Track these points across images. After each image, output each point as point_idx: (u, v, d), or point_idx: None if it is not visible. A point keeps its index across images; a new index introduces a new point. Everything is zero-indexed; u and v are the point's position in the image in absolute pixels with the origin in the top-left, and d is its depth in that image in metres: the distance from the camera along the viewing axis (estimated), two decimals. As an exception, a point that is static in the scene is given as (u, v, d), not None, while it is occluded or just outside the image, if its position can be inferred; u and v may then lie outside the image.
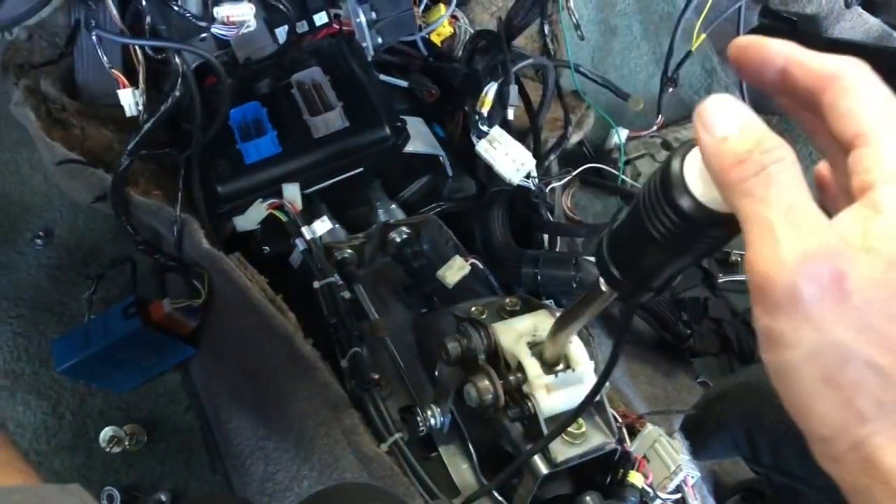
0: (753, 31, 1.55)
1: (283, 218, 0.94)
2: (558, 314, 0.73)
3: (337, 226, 0.99)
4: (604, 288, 0.48)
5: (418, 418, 0.77)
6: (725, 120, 0.29)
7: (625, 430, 0.79)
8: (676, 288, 1.16)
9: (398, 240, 1.01)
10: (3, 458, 0.51)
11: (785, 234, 0.28)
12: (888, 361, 0.28)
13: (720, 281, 1.28)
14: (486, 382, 0.68)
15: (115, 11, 0.88)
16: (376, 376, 0.83)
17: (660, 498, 0.76)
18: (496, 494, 0.77)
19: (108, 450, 1.00)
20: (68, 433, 0.99)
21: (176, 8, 0.88)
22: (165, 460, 1.01)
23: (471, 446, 0.79)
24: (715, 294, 1.20)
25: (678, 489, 0.76)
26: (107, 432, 1.00)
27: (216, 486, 0.98)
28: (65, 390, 1.04)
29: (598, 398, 0.71)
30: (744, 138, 0.29)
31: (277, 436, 0.85)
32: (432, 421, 0.77)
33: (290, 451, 0.83)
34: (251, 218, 0.95)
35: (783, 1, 1.50)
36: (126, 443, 1.00)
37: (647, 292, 0.44)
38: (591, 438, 0.72)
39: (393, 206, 1.06)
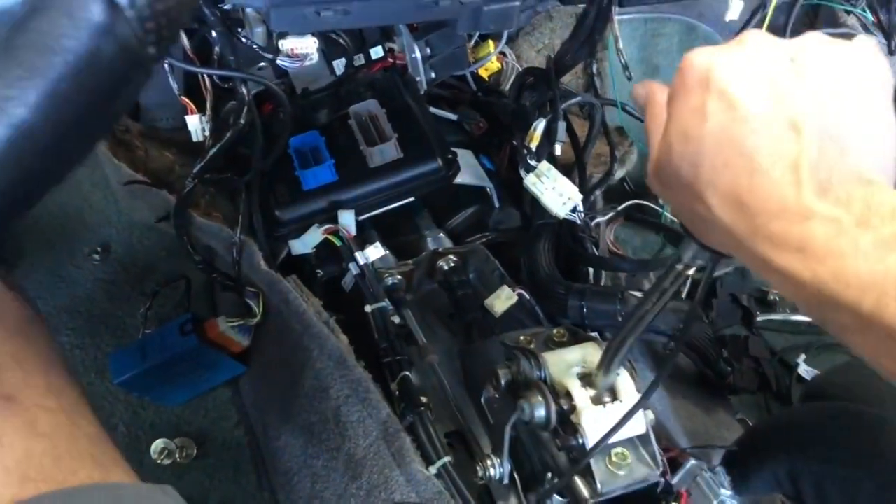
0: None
1: (338, 243, 0.97)
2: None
3: (387, 252, 1.01)
4: (686, 260, 0.53)
5: (478, 468, 0.79)
6: (637, 90, 0.51)
7: (667, 464, 0.81)
8: (717, 324, 1.17)
9: (446, 268, 1.04)
10: (112, 457, 0.54)
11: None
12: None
13: (758, 319, 1.29)
14: (539, 398, 0.70)
15: (185, 41, 0.92)
16: (425, 400, 0.86)
17: (701, 531, 0.77)
18: (541, 523, 0.79)
19: (158, 461, 1.03)
20: (121, 444, 1.01)
21: (243, 39, 0.92)
22: (214, 474, 1.04)
23: (515, 474, 0.81)
24: (753, 332, 1.21)
25: (720, 523, 0.78)
26: (158, 444, 1.04)
27: (263, 503, 1.01)
28: (119, 402, 1.08)
29: (644, 431, 0.73)
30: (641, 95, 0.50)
31: (326, 454, 0.87)
32: (492, 471, 0.78)
33: (339, 470, 0.85)
34: (307, 242, 0.98)
35: (825, 45, 1.52)
36: (176, 455, 1.04)
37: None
38: (636, 470, 0.74)
39: (441, 234, 1.09)
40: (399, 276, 1.00)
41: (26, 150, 0.28)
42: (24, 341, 0.57)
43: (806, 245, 0.37)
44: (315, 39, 0.95)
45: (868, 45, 0.41)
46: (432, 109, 1.20)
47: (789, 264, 0.37)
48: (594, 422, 0.70)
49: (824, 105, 0.38)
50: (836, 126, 0.38)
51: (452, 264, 1.04)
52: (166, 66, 0.93)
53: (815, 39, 0.40)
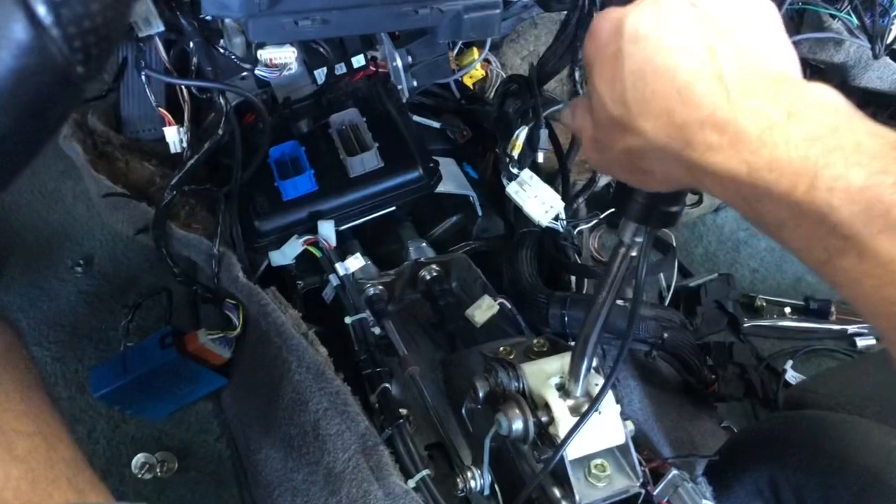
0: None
1: (318, 254, 0.97)
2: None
3: (369, 262, 1.01)
4: (627, 240, 0.57)
5: (458, 480, 0.78)
6: (564, 113, 0.55)
7: (649, 474, 0.80)
8: (701, 331, 1.17)
9: (428, 277, 1.03)
10: (88, 480, 0.54)
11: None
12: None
13: (745, 325, 1.29)
14: (517, 410, 0.70)
15: (163, 52, 0.92)
16: (405, 412, 0.85)
17: (683, 542, 0.77)
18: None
19: (139, 476, 1.02)
20: (102, 458, 1.02)
21: (221, 50, 0.91)
22: (195, 488, 1.03)
23: (496, 485, 0.80)
24: (740, 339, 1.20)
25: (701, 534, 0.77)
26: (139, 459, 1.03)
27: (244, 516, 1.00)
28: (100, 416, 1.07)
29: (623, 441, 0.73)
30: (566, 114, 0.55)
31: (306, 468, 0.86)
32: (472, 483, 0.78)
33: (319, 484, 0.85)
34: (287, 253, 0.97)
35: (811, 49, 1.52)
36: (157, 470, 1.03)
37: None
38: (616, 481, 0.73)
39: (423, 244, 1.09)
40: (380, 287, 0.99)
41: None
42: (3, 364, 0.57)
43: (739, 139, 0.39)
44: (294, 49, 0.95)
45: None
46: (416, 118, 1.19)
47: (725, 161, 0.39)
48: (572, 433, 0.69)
49: (730, 30, 0.42)
50: (745, 44, 0.42)
51: (435, 274, 1.03)
52: (143, 77, 0.93)
53: None
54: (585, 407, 0.71)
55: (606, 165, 0.51)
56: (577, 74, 1.29)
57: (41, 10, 0.27)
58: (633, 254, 0.58)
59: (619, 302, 0.95)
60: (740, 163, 0.39)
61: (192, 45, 0.89)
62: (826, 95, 0.39)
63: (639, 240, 0.57)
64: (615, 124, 0.45)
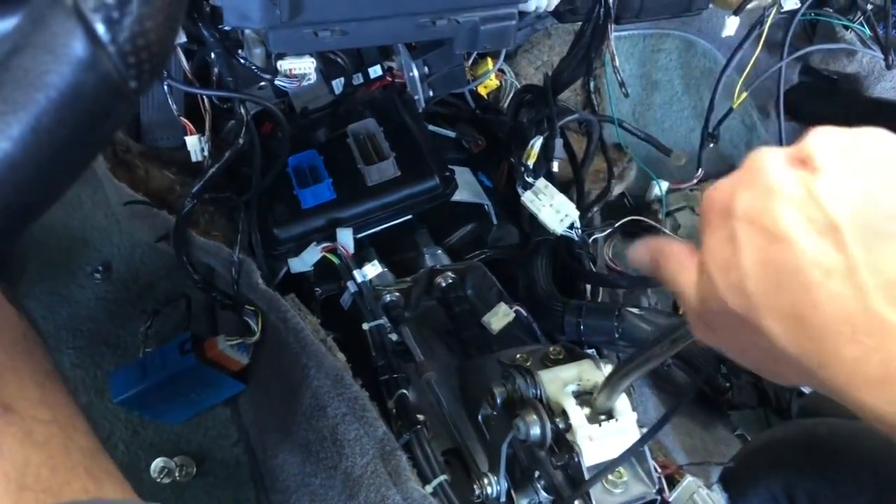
0: (794, 88, 1.58)
1: (336, 261, 0.98)
2: (602, 365, 0.76)
3: (385, 269, 1.02)
4: None
5: (475, 486, 0.79)
6: (639, 251, 0.48)
7: (664, 481, 0.81)
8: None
9: (444, 284, 1.04)
10: (106, 469, 0.54)
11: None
12: None
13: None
14: (534, 416, 0.70)
15: (185, 62, 0.93)
16: (422, 418, 0.86)
17: (698, 549, 0.77)
18: (539, 541, 0.79)
19: (158, 480, 1.03)
20: (120, 463, 1.01)
21: (241, 60, 0.93)
22: (213, 493, 1.04)
23: (513, 492, 0.81)
24: (753, 347, 1.20)
25: (717, 541, 0.78)
26: (157, 463, 1.04)
27: (262, 520, 1.01)
28: (119, 421, 1.08)
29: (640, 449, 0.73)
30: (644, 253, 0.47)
31: (324, 473, 0.87)
32: (489, 490, 0.79)
33: (336, 489, 0.86)
34: (305, 260, 0.98)
35: (824, 60, 1.53)
36: (176, 474, 1.04)
37: None
38: (632, 488, 0.74)
39: (439, 251, 1.10)
40: (397, 294, 1.00)
41: (10, 182, 0.29)
42: (20, 353, 0.58)
43: (889, 374, 0.31)
44: (313, 60, 0.96)
45: (882, 133, 0.37)
46: (431, 127, 1.20)
47: (873, 402, 0.32)
48: (590, 440, 0.70)
49: (857, 195, 0.34)
50: (882, 215, 0.33)
51: (450, 281, 1.04)
52: (165, 87, 0.94)
53: (821, 133, 0.37)
54: (602, 416, 0.72)
55: (728, 350, 0.43)
56: (591, 85, 1.30)
57: (100, 29, 0.28)
58: None
59: (635, 310, 0.96)
60: (893, 405, 0.32)
61: (213, 55, 0.91)
62: None
63: None
64: (733, 317, 0.38)
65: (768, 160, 0.38)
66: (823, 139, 0.37)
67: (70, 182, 0.33)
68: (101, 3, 0.28)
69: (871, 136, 0.36)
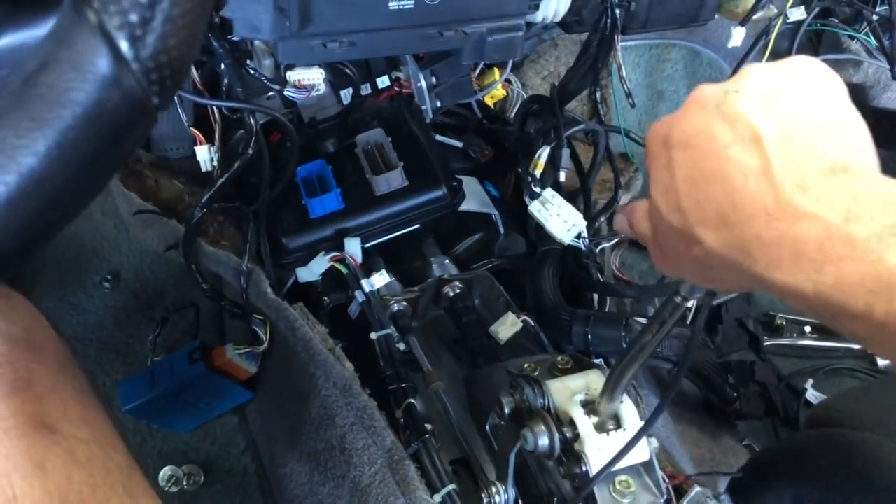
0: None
1: (344, 271, 0.98)
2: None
3: (393, 279, 1.02)
4: (684, 292, 0.54)
5: (483, 495, 0.79)
6: (618, 220, 0.55)
7: (672, 491, 0.81)
8: (723, 350, 1.18)
9: (451, 294, 1.04)
10: (141, 486, 0.56)
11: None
12: None
13: (766, 344, 1.29)
14: (542, 426, 0.71)
15: (195, 73, 0.94)
16: (430, 427, 0.86)
17: (707, 560, 0.77)
18: (546, 550, 0.79)
19: (166, 489, 1.03)
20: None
21: (251, 71, 0.93)
22: (220, 501, 1.04)
23: (521, 501, 0.81)
24: (760, 357, 1.21)
25: (725, 551, 0.78)
26: (166, 472, 1.04)
27: (269, 529, 1.01)
28: (127, 430, 1.09)
29: (648, 458, 0.74)
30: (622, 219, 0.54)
31: (332, 482, 0.88)
32: (496, 499, 0.79)
33: (344, 498, 0.86)
34: (313, 270, 0.99)
35: (829, 70, 1.53)
36: (184, 483, 1.04)
37: None
38: (640, 498, 0.73)
39: (447, 261, 1.10)
40: (405, 303, 1.01)
41: (35, 196, 0.30)
42: (63, 374, 0.59)
43: (799, 252, 0.35)
44: (322, 71, 0.97)
45: (803, 58, 0.42)
46: (438, 137, 1.21)
47: (788, 279, 0.36)
48: (598, 450, 0.70)
49: (775, 112, 0.39)
50: (794, 127, 0.38)
51: (458, 291, 1.04)
52: (176, 97, 0.95)
53: (752, 67, 0.42)
54: (610, 425, 0.72)
55: (678, 272, 0.50)
56: (597, 95, 1.30)
57: (124, 46, 0.28)
58: (689, 304, 0.56)
59: (642, 320, 0.96)
60: (805, 281, 0.35)
61: (223, 66, 0.92)
62: (889, 189, 0.34)
63: (698, 294, 0.54)
64: (674, 232, 0.44)
65: (704, 91, 0.43)
66: (754, 69, 0.42)
67: (93, 196, 0.34)
68: (125, 21, 0.28)
69: (797, 62, 0.42)
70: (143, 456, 1.07)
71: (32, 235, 0.32)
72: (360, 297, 0.97)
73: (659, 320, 0.59)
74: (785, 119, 0.39)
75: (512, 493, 0.80)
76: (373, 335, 0.94)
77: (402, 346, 0.96)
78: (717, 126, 0.40)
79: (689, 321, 1.00)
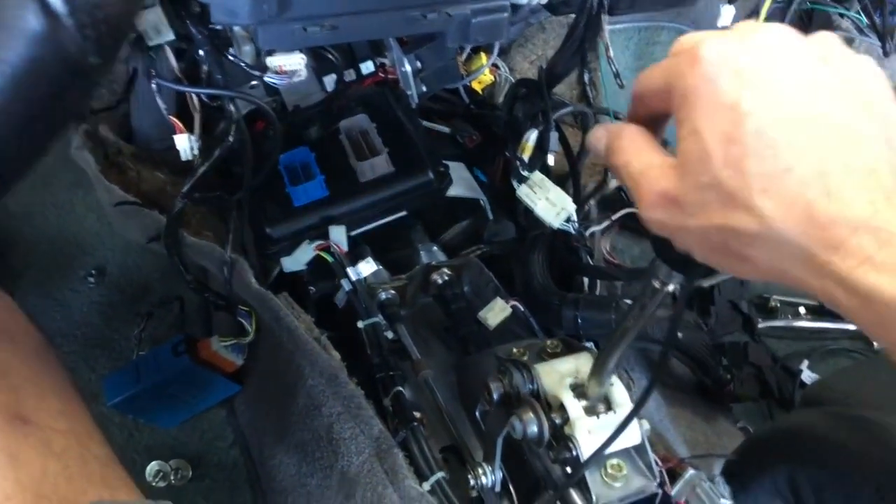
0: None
1: (330, 259, 0.97)
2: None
3: (380, 267, 1.01)
4: (662, 277, 0.51)
5: (469, 477, 0.78)
6: (595, 134, 0.45)
7: (666, 474, 0.80)
8: (716, 332, 1.16)
9: (440, 281, 1.03)
10: (120, 477, 0.55)
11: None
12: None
13: (760, 326, 1.28)
14: (531, 414, 0.69)
15: (174, 61, 0.92)
16: (419, 415, 0.85)
17: (701, 543, 0.76)
18: (536, 535, 0.78)
19: (154, 484, 1.02)
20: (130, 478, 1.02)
21: (231, 58, 0.92)
22: (209, 496, 1.03)
23: (511, 486, 0.80)
24: (754, 339, 1.20)
25: (720, 534, 0.76)
26: (153, 467, 1.03)
27: (259, 522, 1.00)
28: (113, 425, 1.07)
29: (639, 441, 0.72)
30: (600, 137, 0.45)
31: (320, 473, 0.86)
32: (484, 480, 0.78)
33: (333, 489, 0.84)
34: (299, 259, 0.97)
35: (820, 50, 1.52)
36: (171, 477, 1.03)
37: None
38: (633, 481, 0.72)
39: (435, 248, 1.09)
40: (392, 291, 0.99)
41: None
42: (40, 365, 0.59)
43: None
44: (303, 56, 0.95)
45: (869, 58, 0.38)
46: (425, 123, 1.20)
47: (888, 285, 0.32)
48: (588, 433, 0.69)
49: (875, 105, 0.35)
50: (893, 126, 0.34)
51: (446, 278, 1.03)
52: (154, 85, 0.93)
53: (831, 38, 0.37)
54: (601, 407, 0.71)
55: (681, 232, 0.40)
56: (586, 78, 1.29)
57: (54, 1, 0.27)
58: (669, 289, 0.53)
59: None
60: None
61: (201, 53, 0.90)
62: None
63: (677, 280, 0.51)
64: (718, 191, 0.36)
65: (779, 28, 0.37)
66: (838, 44, 0.37)
67: (31, 163, 0.32)
68: None
69: (868, 60, 0.37)
70: (129, 451, 1.06)
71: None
72: (346, 285, 0.96)
73: (640, 305, 0.57)
74: (885, 108, 0.35)
75: (499, 475, 0.78)
76: (360, 324, 0.92)
77: (390, 335, 0.95)
78: (815, 87, 0.34)
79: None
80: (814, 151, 0.34)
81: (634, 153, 0.41)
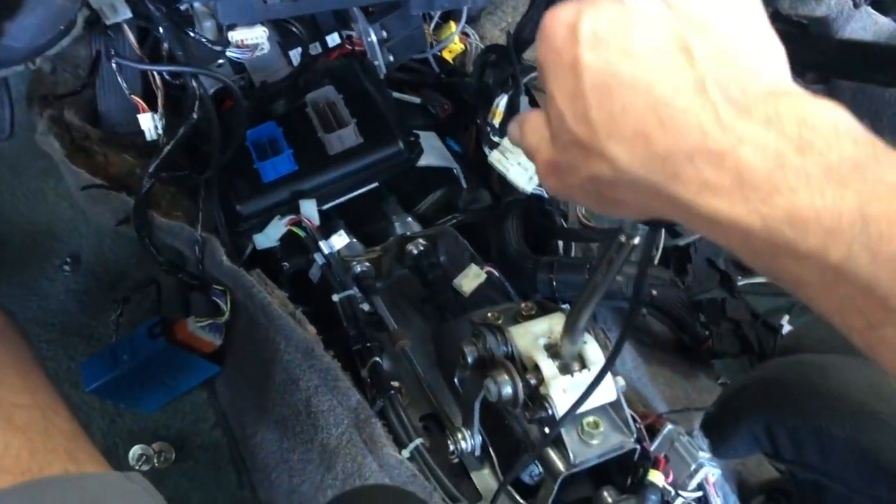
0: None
1: (302, 234, 0.96)
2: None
3: (354, 240, 1.00)
4: (627, 230, 0.51)
5: (449, 442, 0.78)
6: (511, 125, 0.46)
7: (644, 430, 0.80)
8: (693, 289, 1.16)
9: (415, 252, 1.02)
10: (86, 451, 0.55)
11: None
12: None
13: (740, 283, 1.28)
14: (505, 376, 0.69)
15: (133, 40, 0.91)
16: (396, 384, 0.85)
17: (681, 496, 0.76)
18: (518, 498, 0.78)
19: (136, 468, 1.01)
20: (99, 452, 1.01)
21: (192, 34, 0.90)
22: (193, 477, 1.03)
23: (491, 450, 0.80)
24: (733, 296, 1.20)
25: (700, 487, 0.77)
26: (136, 450, 1.02)
27: (244, 502, 1.00)
28: (94, 411, 1.07)
29: (615, 398, 0.72)
30: (514, 127, 0.46)
31: (301, 447, 0.86)
32: (463, 444, 0.78)
33: (314, 462, 0.84)
34: (270, 235, 0.97)
35: (792, 5, 1.50)
36: (155, 460, 1.02)
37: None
38: (610, 438, 0.72)
39: (409, 219, 1.08)
40: (367, 264, 0.99)
41: None
42: (1, 343, 0.59)
43: (743, 179, 0.31)
44: (265, 29, 0.94)
45: None
46: (396, 94, 1.18)
47: (727, 208, 0.32)
48: (562, 391, 0.69)
49: (707, 25, 0.35)
50: (726, 43, 0.34)
51: (422, 248, 1.02)
52: (114, 65, 0.92)
53: None
54: (575, 366, 0.71)
55: (568, 192, 0.43)
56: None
57: None
58: (635, 242, 0.52)
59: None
60: (750, 212, 0.31)
61: (161, 30, 0.88)
62: (838, 118, 0.32)
63: (642, 231, 0.51)
64: (578, 146, 0.38)
65: None
66: None
67: None
68: None
69: None
70: (112, 436, 1.05)
71: None
72: (319, 259, 0.95)
73: (607, 260, 0.56)
74: (716, 31, 0.35)
75: (479, 439, 0.78)
76: (335, 297, 0.92)
77: (366, 307, 0.94)
78: (640, 26, 0.35)
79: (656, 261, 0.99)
80: (643, 85, 0.34)
81: (531, 132, 0.43)
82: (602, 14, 0.36)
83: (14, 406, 0.53)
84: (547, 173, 0.43)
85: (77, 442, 0.56)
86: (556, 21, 0.38)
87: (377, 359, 0.86)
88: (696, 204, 0.33)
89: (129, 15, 0.87)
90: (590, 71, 0.36)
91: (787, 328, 1.23)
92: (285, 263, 0.98)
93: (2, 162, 1.29)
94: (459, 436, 0.77)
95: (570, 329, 0.67)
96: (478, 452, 0.78)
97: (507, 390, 0.70)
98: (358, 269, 0.98)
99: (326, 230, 0.98)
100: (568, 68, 0.37)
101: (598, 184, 0.39)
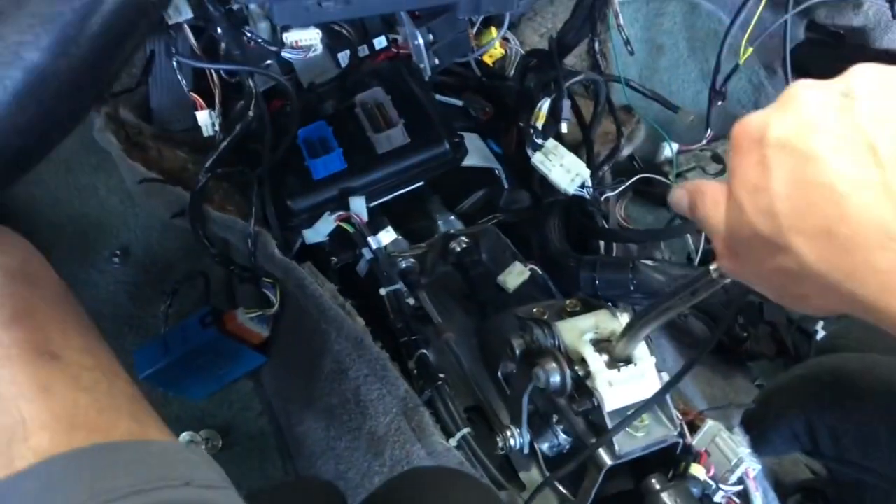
0: (800, 46, 1.57)
1: (350, 229, 0.99)
2: (619, 314, 0.77)
3: (400, 237, 1.03)
4: (717, 273, 0.50)
5: (498, 439, 0.80)
6: (677, 193, 0.48)
7: (685, 426, 0.82)
8: (732, 291, 1.17)
9: (458, 249, 1.05)
10: (148, 413, 0.56)
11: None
12: None
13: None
14: (553, 364, 0.71)
15: (192, 38, 0.94)
16: (443, 375, 0.87)
17: (722, 490, 0.78)
18: (561, 488, 0.80)
19: (185, 454, 1.04)
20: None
21: (248, 34, 0.94)
22: (240, 464, 1.06)
23: (535, 443, 0.82)
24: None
25: (740, 481, 0.78)
26: (184, 437, 1.05)
27: (289, 488, 1.02)
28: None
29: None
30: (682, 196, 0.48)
31: (348, 435, 0.89)
32: (511, 442, 0.80)
33: (361, 450, 0.87)
34: (320, 230, 0.99)
35: (829, 15, 1.52)
36: (203, 447, 1.05)
37: None
38: (654, 431, 0.74)
39: (452, 217, 1.11)
40: (412, 260, 1.01)
41: (42, 92, 0.30)
42: (63, 306, 0.61)
43: None
44: (318, 31, 0.97)
45: None
46: (438, 97, 1.21)
47: None
48: (609, 385, 0.71)
49: (890, 122, 0.35)
50: None
51: (465, 245, 1.05)
52: (174, 63, 0.96)
53: (862, 68, 0.38)
54: (621, 362, 0.73)
55: (749, 279, 0.44)
56: (596, 47, 1.30)
57: None
58: (725, 282, 0.51)
59: (650, 262, 0.97)
60: None
61: (219, 30, 0.92)
62: None
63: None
64: (760, 239, 0.39)
65: (805, 90, 0.39)
66: (862, 70, 0.38)
67: (98, 93, 0.34)
68: None
69: None
70: (161, 423, 1.08)
71: (39, 134, 0.32)
72: (367, 254, 0.98)
73: (691, 290, 0.56)
74: None
75: (527, 437, 0.80)
76: (382, 290, 0.95)
77: (411, 301, 0.97)
78: (825, 129, 0.36)
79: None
80: (827, 181, 0.35)
81: (711, 208, 0.44)
82: (788, 118, 0.38)
83: (80, 367, 0.55)
84: (726, 257, 0.44)
85: (140, 404, 0.57)
86: (745, 127, 0.40)
87: (424, 351, 0.89)
88: (875, 305, 0.34)
89: (190, 15, 0.90)
90: (776, 168, 0.37)
91: (821, 334, 1.24)
92: (333, 258, 1.01)
93: (57, 158, 1.33)
94: (508, 433, 0.79)
95: (630, 335, 0.69)
96: (526, 450, 0.80)
97: (556, 378, 0.72)
98: (403, 264, 1.01)
99: (373, 226, 1.01)
100: (754, 164, 0.39)
101: (785, 277, 0.39)
